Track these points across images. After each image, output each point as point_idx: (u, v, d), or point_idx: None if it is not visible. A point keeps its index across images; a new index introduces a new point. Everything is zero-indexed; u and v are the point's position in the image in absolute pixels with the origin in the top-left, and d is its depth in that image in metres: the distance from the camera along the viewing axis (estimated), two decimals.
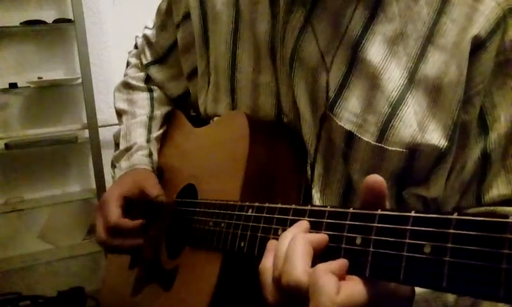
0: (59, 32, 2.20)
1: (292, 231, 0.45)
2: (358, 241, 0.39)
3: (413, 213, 0.35)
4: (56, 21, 2.11)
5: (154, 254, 0.78)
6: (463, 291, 0.29)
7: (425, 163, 0.55)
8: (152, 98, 0.93)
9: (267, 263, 0.45)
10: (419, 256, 0.33)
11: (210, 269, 0.60)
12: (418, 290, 0.46)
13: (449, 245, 0.30)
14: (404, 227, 0.35)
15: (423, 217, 0.34)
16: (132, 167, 0.83)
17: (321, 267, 0.39)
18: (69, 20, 2.09)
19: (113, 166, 0.88)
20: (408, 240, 0.34)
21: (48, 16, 2.12)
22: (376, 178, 0.40)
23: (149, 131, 0.89)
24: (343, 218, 0.41)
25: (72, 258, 2.26)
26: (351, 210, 0.41)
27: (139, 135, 0.88)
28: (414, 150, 0.54)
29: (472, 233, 0.29)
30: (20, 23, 2.05)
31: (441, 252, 0.31)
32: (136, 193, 0.79)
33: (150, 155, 0.86)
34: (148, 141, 0.88)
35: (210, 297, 0.58)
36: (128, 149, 0.86)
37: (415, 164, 0.55)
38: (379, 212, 0.38)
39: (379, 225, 0.37)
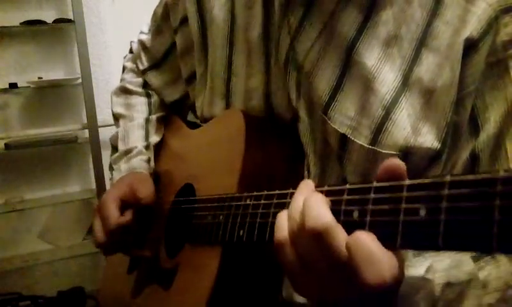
0: (59, 32, 2.21)
1: (302, 192, 0.45)
2: (356, 214, 0.39)
3: (407, 182, 0.36)
4: (56, 21, 2.12)
5: (154, 255, 0.78)
6: (458, 247, 0.30)
7: (418, 165, 0.55)
8: (149, 103, 0.94)
9: (282, 231, 0.44)
10: (414, 218, 0.33)
11: (209, 263, 0.60)
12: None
13: (443, 205, 0.31)
14: (399, 194, 0.36)
15: (417, 183, 0.35)
16: (131, 170, 0.84)
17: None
18: (69, 20, 2.10)
19: (111, 169, 0.89)
20: (403, 205, 0.35)
21: (48, 16, 2.13)
22: (395, 161, 0.38)
23: (147, 133, 0.90)
24: (340, 194, 0.42)
25: (72, 258, 2.26)
26: (347, 186, 0.42)
27: (137, 139, 0.89)
28: (407, 153, 0.54)
29: (465, 190, 0.30)
30: (20, 23, 2.06)
31: (436, 213, 0.32)
32: (131, 197, 0.80)
33: (149, 160, 0.87)
34: (147, 147, 0.89)
35: (210, 290, 0.58)
36: (127, 152, 0.88)
37: (408, 166, 0.55)
38: (375, 184, 0.39)
39: (375, 196, 0.38)
